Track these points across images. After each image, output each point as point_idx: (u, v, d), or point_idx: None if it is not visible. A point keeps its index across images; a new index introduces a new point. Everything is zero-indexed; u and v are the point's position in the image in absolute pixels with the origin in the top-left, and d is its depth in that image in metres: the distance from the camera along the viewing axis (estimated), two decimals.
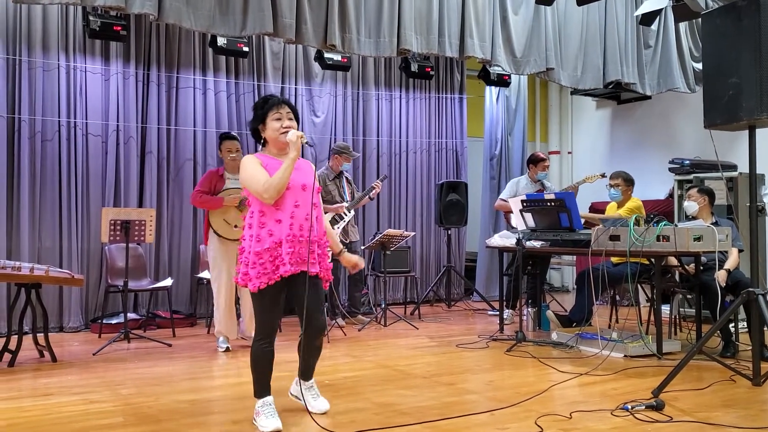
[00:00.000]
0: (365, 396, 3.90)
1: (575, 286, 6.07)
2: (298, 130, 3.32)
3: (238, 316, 5.71)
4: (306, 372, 3.57)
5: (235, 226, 5.31)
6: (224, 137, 5.61)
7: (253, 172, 3.26)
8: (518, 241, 5.59)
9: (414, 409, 3.59)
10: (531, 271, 6.48)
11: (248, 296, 5.30)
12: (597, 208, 8.59)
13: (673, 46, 7.70)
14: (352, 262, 3.63)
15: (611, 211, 6.20)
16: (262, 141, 3.44)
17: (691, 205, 5.49)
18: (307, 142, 3.29)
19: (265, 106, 3.37)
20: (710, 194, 5.53)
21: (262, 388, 3.34)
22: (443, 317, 7.28)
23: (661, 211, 6.89)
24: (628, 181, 6.14)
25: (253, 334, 5.42)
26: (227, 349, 5.34)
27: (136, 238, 5.63)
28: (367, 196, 6.62)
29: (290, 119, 3.34)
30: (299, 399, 3.57)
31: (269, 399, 3.33)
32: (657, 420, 3.37)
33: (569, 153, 10.24)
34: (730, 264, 5.16)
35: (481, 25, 6.50)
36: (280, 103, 3.36)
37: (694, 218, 5.44)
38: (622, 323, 5.94)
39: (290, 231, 3.24)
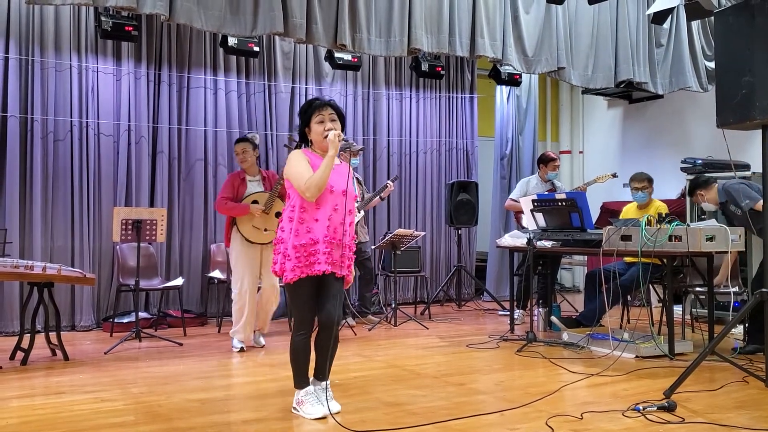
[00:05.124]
0: (375, 396, 3.90)
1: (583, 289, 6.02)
2: (341, 129, 3.41)
3: None
4: (321, 370, 3.58)
5: (266, 230, 5.24)
6: (236, 140, 5.53)
7: (299, 168, 3.35)
8: (529, 240, 5.57)
9: (424, 409, 3.59)
10: (542, 271, 6.45)
11: (263, 303, 5.34)
12: (609, 208, 8.55)
13: (686, 45, 7.65)
14: None
15: (632, 213, 5.99)
16: (309, 142, 3.52)
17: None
18: (344, 139, 3.38)
19: (308, 110, 3.47)
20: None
21: (302, 379, 3.45)
22: (453, 317, 7.27)
23: (673, 210, 6.84)
24: (652, 181, 5.98)
25: (253, 338, 5.42)
26: (242, 350, 5.27)
27: (147, 238, 5.66)
28: (378, 197, 6.61)
29: (333, 120, 3.43)
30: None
31: (311, 388, 3.43)
32: (669, 421, 3.35)
33: (580, 152, 10.20)
34: None
35: (492, 24, 6.48)
36: (323, 106, 3.45)
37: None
38: (634, 324, 5.90)
39: (327, 233, 3.34)
